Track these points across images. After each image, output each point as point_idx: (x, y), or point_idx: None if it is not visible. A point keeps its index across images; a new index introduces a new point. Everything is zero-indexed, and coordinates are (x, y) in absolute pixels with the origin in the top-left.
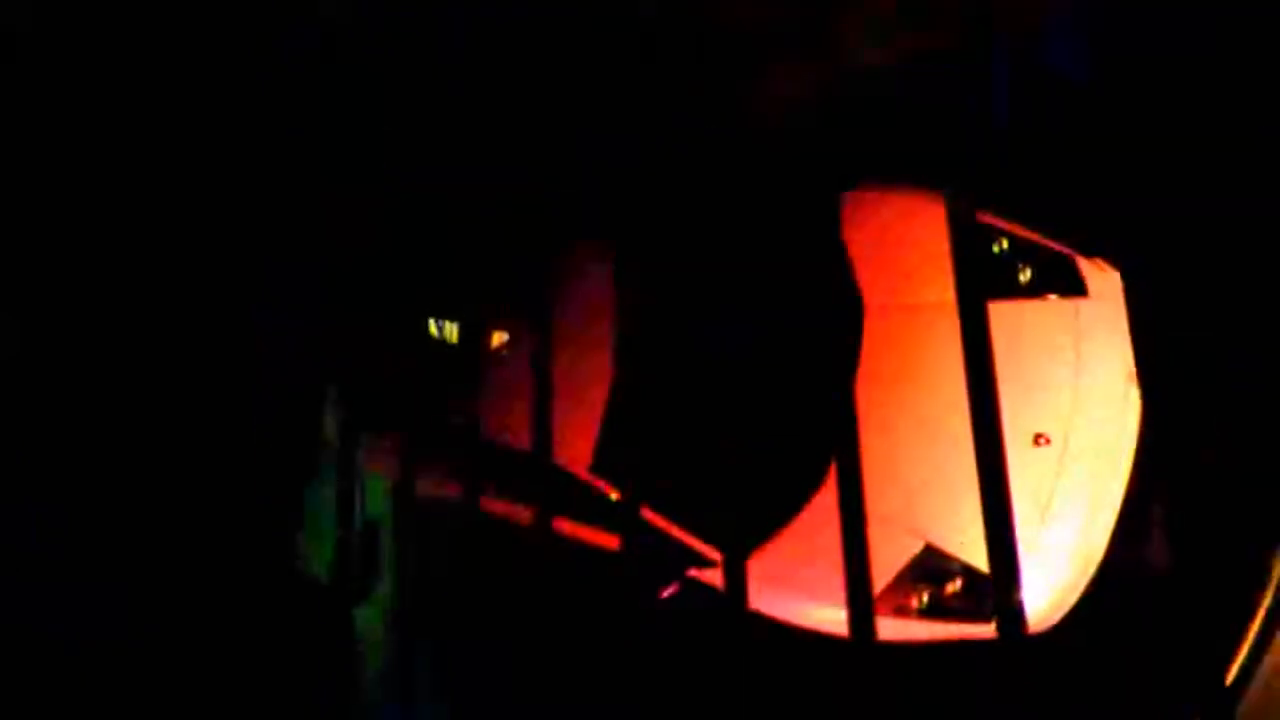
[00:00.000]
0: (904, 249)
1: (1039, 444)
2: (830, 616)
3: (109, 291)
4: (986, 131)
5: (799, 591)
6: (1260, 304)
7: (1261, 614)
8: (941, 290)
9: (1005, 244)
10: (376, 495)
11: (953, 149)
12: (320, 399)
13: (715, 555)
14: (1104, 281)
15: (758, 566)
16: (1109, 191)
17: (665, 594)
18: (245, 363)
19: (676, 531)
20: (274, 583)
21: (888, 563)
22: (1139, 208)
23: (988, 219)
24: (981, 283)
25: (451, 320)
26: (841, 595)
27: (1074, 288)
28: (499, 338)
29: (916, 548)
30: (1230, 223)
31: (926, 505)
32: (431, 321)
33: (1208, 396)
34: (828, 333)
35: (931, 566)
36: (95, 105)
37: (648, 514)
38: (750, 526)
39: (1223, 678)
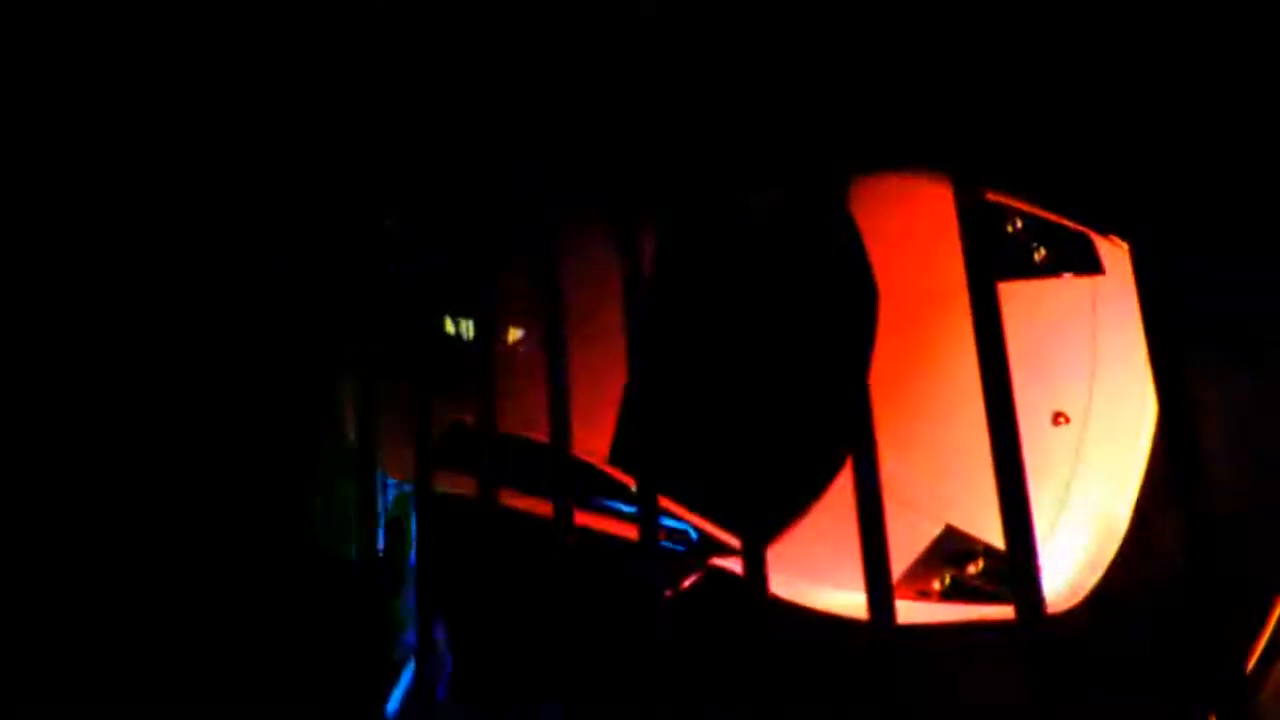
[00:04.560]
0: (916, 232)
1: (1058, 423)
2: (850, 601)
3: (118, 275)
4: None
5: (819, 577)
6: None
7: None
8: (955, 272)
9: (1020, 223)
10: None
11: (961, 130)
12: (334, 387)
13: (735, 543)
14: (1121, 259)
15: (778, 553)
16: (1121, 167)
17: (686, 583)
18: (259, 352)
19: (695, 520)
20: (298, 567)
21: (908, 546)
22: (1151, 184)
23: (1002, 198)
24: (994, 263)
25: (466, 317)
26: (861, 579)
27: (1090, 265)
28: (514, 333)
29: (937, 530)
30: (1241, 199)
31: (946, 488)
32: (447, 318)
33: (1220, 378)
34: (842, 317)
35: (953, 548)
36: (111, 95)
37: (666, 504)
38: (769, 514)
39: (1242, 665)
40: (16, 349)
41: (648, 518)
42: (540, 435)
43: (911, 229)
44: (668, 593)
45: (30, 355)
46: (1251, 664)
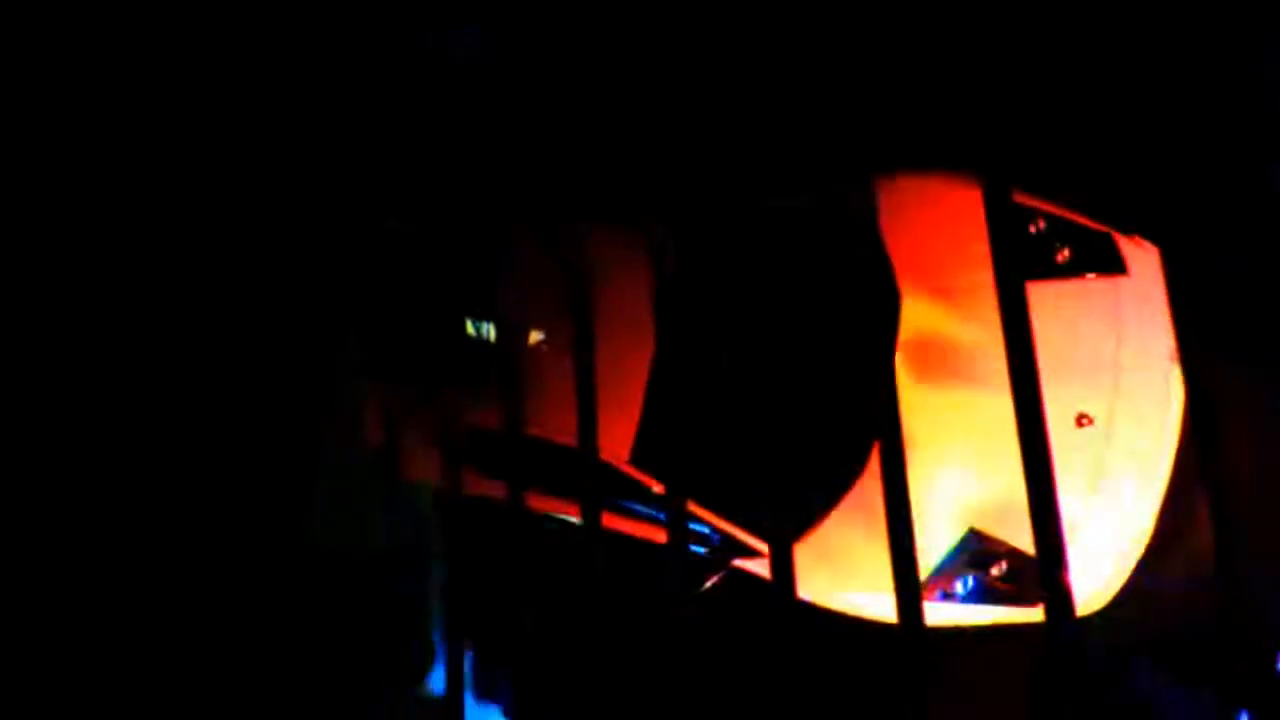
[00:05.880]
0: (939, 234)
1: (1081, 425)
2: (877, 603)
3: (119, 274)
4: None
5: (843, 578)
6: None
7: None
8: (978, 274)
9: (1042, 224)
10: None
11: (986, 131)
12: (346, 387)
13: (760, 546)
14: (1144, 259)
15: (801, 555)
16: (1146, 167)
17: (706, 585)
18: (260, 350)
19: (717, 522)
20: (299, 566)
21: (932, 548)
22: (1177, 183)
23: (1024, 199)
24: (1020, 264)
25: (488, 319)
26: (887, 581)
27: (1113, 266)
28: (535, 335)
29: (960, 532)
30: (1269, 199)
31: (969, 489)
32: (469, 320)
33: (1249, 375)
34: (865, 319)
35: (976, 551)
36: (112, 91)
37: (691, 506)
38: (793, 515)
39: (1274, 664)
40: (16, 348)
41: (673, 520)
42: (557, 436)
43: (931, 228)
44: (692, 594)
45: (30, 355)
46: None
